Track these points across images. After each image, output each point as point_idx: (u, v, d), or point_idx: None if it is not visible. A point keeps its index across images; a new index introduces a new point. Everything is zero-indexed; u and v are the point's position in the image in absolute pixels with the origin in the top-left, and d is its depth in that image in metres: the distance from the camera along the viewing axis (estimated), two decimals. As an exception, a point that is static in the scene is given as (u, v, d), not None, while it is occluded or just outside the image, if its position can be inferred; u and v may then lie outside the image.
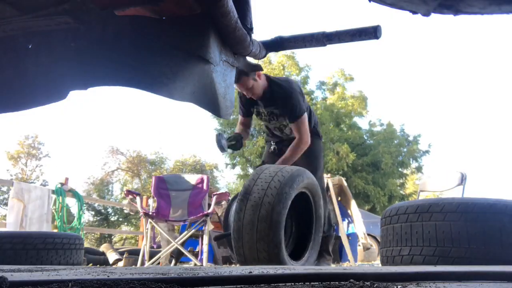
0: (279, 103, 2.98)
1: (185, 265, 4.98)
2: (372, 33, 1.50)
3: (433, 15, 0.96)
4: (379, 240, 2.41)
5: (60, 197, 6.06)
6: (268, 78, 3.02)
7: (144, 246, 4.56)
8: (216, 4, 1.06)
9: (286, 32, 2.11)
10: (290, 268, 1.54)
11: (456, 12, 0.92)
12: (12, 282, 0.87)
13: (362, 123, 18.01)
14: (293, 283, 0.96)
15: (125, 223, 23.79)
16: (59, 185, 6.20)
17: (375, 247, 6.58)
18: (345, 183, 5.85)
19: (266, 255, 1.96)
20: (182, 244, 4.36)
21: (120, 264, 5.50)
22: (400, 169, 16.92)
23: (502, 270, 1.04)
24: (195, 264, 4.40)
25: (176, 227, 5.53)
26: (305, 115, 3.02)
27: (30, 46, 1.09)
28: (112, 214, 23.72)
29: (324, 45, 1.65)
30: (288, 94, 2.94)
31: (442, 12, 0.94)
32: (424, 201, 2.07)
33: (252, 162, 15.62)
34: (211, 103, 1.19)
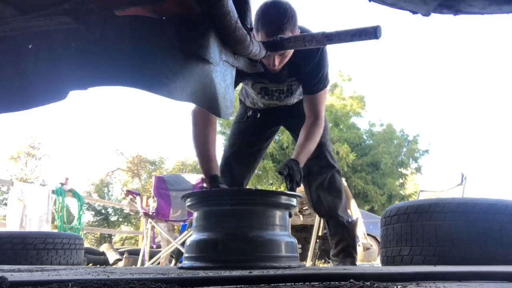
0: (306, 71, 2.10)
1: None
2: (372, 33, 1.50)
3: (433, 15, 0.96)
4: (379, 240, 2.41)
5: (60, 197, 6.06)
6: None
7: (144, 246, 4.56)
8: (216, 4, 1.06)
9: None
10: (290, 268, 1.54)
11: (456, 12, 0.93)
12: (12, 282, 0.87)
13: (361, 123, 18.04)
14: (293, 283, 0.96)
15: (125, 223, 23.79)
16: (59, 185, 6.20)
17: (375, 247, 6.57)
18: (345, 183, 5.83)
19: None
20: (182, 244, 4.35)
21: (120, 264, 5.50)
22: (399, 169, 16.92)
23: (502, 270, 1.04)
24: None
25: (176, 227, 5.53)
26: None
27: (30, 46, 1.09)
28: (112, 214, 23.73)
29: (324, 45, 1.65)
30: (320, 57, 2.10)
31: (442, 12, 0.94)
32: (424, 201, 2.06)
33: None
34: (211, 103, 1.19)
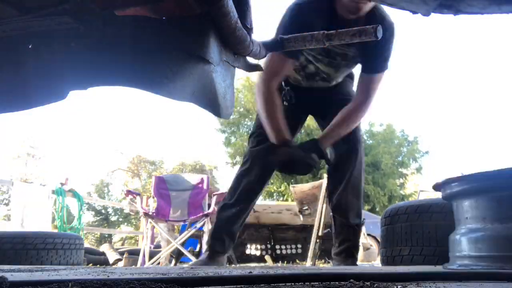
0: (373, 45, 1.87)
1: (185, 265, 4.99)
2: (372, 33, 1.49)
3: (433, 15, 0.96)
4: (379, 240, 2.41)
5: (60, 197, 6.06)
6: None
7: (144, 246, 4.56)
8: (216, 4, 1.06)
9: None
10: (290, 268, 1.54)
11: (456, 12, 0.93)
12: (12, 282, 0.87)
13: (361, 123, 17.97)
14: (293, 283, 0.96)
15: (125, 223, 23.79)
16: (59, 185, 6.20)
17: (375, 247, 6.57)
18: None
19: None
20: (182, 244, 4.36)
21: (120, 264, 5.50)
22: (400, 169, 16.93)
23: (502, 270, 1.04)
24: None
25: (176, 227, 5.53)
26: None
27: (30, 46, 1.09)
28: (112, 214, 23.73)
29: (324, 45, 1.65)
30: (391, 31, 1.99)
31: (442, 12, 0.94)
32: (424, 201, 2.07)
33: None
34: (211, 103, 1.19)
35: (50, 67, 1.08)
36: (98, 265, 4.22)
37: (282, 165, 2.03)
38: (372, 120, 17.98)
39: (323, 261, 5.46)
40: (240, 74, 15.56)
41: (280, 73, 2.07)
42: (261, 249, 5.88)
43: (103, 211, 23.27)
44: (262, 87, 2.05)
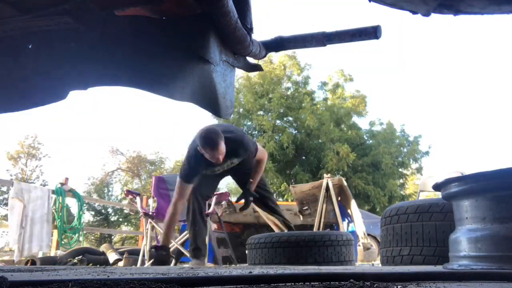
0: (240, 152, 3.13)
1: (185, 265, 4.98)
2: (372, 33, 1.50)
3: (433, 15, 0.96)
4: (379, 240, 2.41)
5: (60, 197, 6.06)
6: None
7: (144, 246, 4.56)
8: (216, 4, 1.06)
9: (286, 32, 2.12)
10: (290, 268, 1.54)
11: (456, 12, 0.93)
12: (12, 282, 0.87)
13: (362, 123, 17.98)
14: (293, 283, 0.96)
15: (125, 223, 23.78)
16: (59, 185, 6.20)
17: (375, 247, 6.57)
18: (345, 183, 5.84)
19: None
20: (182, 244, 4.35)
21: (120, 264, 5.50)
22: (400, 170, 16.90)
23: (501, 270, 1.04)
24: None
25: (176, 227, 5.53)
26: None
27: (30, 46, 1.09)
28: (112, 214, 23.72)
29: (324, 45, 1.65)
30: (241, 140, 3.13)
31: (442, 12, 0.94)
32: (424, 201, 2.07)
33: (252, 162, 15.62)
34: (211, 103, 1.19)
35: (50, 67, 1.08)
36: (98, 265, 4.22)
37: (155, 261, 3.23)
38: (372, 120, 17.96)
39: (323, 261, 5.45)
40: (240, 74, 15.56)
41: (185, 195, 3.16)
42: (261, 249, 5.86)
43: (103, 211, 23.24)
44: (171, 207, 3.15)
